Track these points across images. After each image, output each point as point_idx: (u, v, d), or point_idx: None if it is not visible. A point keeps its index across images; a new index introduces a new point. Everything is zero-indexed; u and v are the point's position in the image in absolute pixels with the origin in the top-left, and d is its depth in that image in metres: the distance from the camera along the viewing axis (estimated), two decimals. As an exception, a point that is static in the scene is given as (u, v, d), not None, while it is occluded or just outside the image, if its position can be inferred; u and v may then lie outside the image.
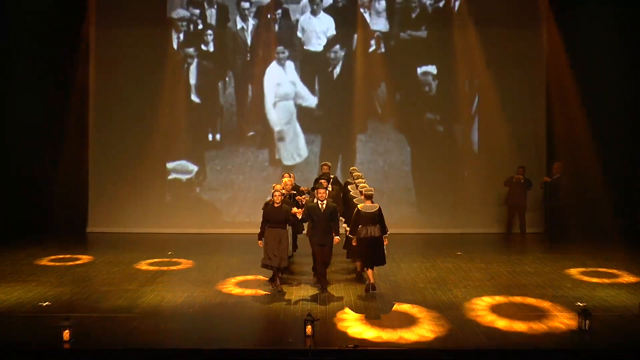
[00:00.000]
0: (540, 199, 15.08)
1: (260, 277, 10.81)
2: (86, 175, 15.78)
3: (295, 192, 11.63)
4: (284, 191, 10.99)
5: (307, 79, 15.83)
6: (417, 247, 14.01)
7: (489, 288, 10.42)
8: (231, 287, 10.48)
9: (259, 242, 10.39)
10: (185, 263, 12.24)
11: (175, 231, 15.45)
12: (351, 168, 12.39)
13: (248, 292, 10.15)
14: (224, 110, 15.85)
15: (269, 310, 9.32)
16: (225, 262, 12.26)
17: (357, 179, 11.48)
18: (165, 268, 11.83)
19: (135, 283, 10.72)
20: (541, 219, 15.48)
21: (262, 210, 10.49)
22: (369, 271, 10.10)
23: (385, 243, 10.24)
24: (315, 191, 10.69)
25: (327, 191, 10.57)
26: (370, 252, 10.11)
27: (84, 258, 12.61)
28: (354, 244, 10.29)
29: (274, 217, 10.24)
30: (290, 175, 11.98)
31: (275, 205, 10.30)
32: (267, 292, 10.12)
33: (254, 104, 15.82)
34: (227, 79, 15.83)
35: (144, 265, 12.00)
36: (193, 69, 15.83)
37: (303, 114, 15.85)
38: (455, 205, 15.82)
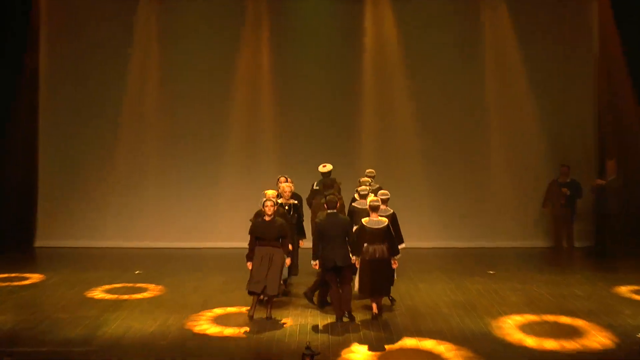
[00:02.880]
0: (591, 206, 15.01)
1: (244, 309, 10.54)
2: (35, 178, 15.75)
3: (296, 202, 11.50)
4: (280, 200, 10.83)
5: (304, 64, 15.87)
6: (439, 264, 13.94)
7: (529, 314, 10.33)
8: (205, 324, 10.35)
9: (248, 264, 10.17)
10: (155, 285, 12.15)
11: (144, 245, 15.42)
12: (367, 170, 12.42)
13: (228, 331, 10.00)
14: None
15: (259, 342, 9.21)
16: (205, 284, 12.19)
17: (361, 185, 11.41)
18: (130, 292, 11.73)
19: (94, 309, 10.60)
20: (591, 229, 15.42)
21: (250, 224, 10.30)
22: (373, 303, 10.10)
23: (394, 266, 10.18)
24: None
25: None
26: (375, 278, 10.00)
27: (32, 278, 12.52)
28: (356, 265, 10.15)
29: (265, 233, 10.00)
30: (287, 179, 11.83)
31: (267, 218, 10.10)
32: (256, 319, 10.02)
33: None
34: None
35: (105, 288, 11.90)
36: (166, 50, 15.82)
37: (300, 105, 15.91)
38: (486, 213, 15.80)
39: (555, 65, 15.73)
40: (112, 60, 15.73)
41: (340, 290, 10.08)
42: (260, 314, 10.17)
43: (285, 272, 10.71)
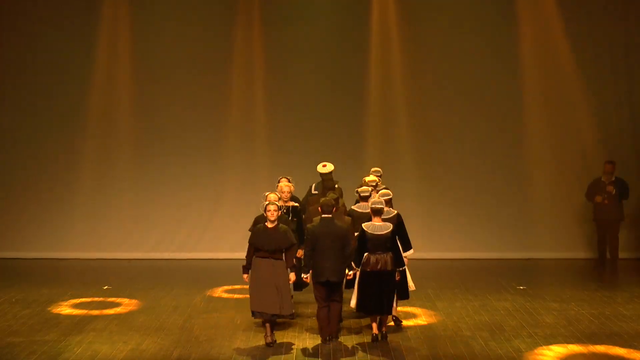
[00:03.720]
0: (640, 211, 15.11)
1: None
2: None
3: (297, 204, 11.48)
4: (280, 203, 10.75)
5: (301, 49, 15.95)
6: (460, 279, 13.95)
7: (566, 338, 10.32)
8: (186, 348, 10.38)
9: (244, 276, 10.16)
10: (127, 302, 12.16)
11: (112, 256, 15.51)
12: (372, 169, 12.40)
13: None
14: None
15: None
16: (184, 301, 12.19)
17: (362, 186, 11.35)
18: (99, 308, 11.72)
19: (55, 331, 10.58)
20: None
21: (250, 233, 10.25)
22: (373, 323, 10.12)
23: (397, 278, 10.18)
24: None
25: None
26: (376, 292, 9.99)
27: (-19, 295, 12.56)
28: (348, 277, 10.18)
29: (267, 243, 9.91)
30: (289, 179, 11.80)
31: (269, 225, 10.05)
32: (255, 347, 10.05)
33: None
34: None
35: (68, 304, 11.91)
36: (139, 36, 15.87)
37: (298, 97, 16.00)
38: (517, 219, 15.85)
39: (597, 52, 15.78)
40: (76, 44, 15.72)
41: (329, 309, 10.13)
42: (259, 332, 10.18)
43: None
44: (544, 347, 9.89)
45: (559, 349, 9.77)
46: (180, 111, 15.91)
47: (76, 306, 11.93)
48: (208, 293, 12.60)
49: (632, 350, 9.68)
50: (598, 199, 14.88)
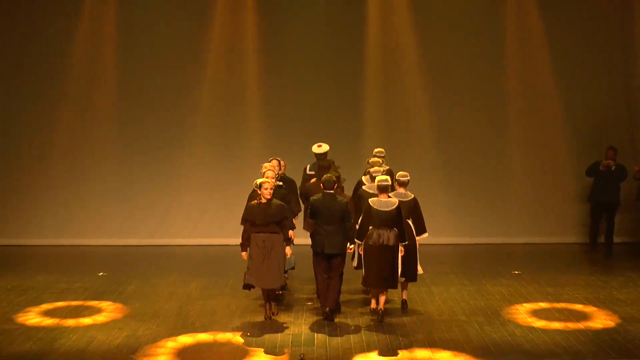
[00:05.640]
0: (635, 195, 15.05)
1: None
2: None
3: (281, 183, 11.52)
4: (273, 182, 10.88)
5: (294, 37, 15.84)
6: (455, 264, 14.01)
7: (561, 322, 10.36)
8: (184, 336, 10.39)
9: (243, 254, 10.45)
10: (122, 289, 12.16)
11: (108, 243, 15.52)
12: (376, 150, 12.43)
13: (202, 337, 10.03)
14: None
15: (244, 353, 9.22)
16: (179, 287, 12.21)
17: (373, 166, 11.45)
18: (93, 297, 11.71)
19: (50, 318, 10.58)
20: (636, 223, 15.48)
21: (245, 209, 10.44)
22: (377, 295, 10.44)
23: (401, 254, 10.44)
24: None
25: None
26: (379, 266, 10.28)
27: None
28: (349, 251, 10.58)
29: (261, 217, 10.18)
30: (280, 162, 11.85)
31: (262, 200, 10.25)
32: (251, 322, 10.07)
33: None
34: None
35: (63, 292, 11.90)
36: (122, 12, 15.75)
37: (293, 83, 15.92)
38: (511, 204, 15.86)
39: (592, 32, 15.76)
40: (57, 22, 15.56)
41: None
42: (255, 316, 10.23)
43: (292, 260, 11.06)
44: (539, 331, 9.94)
45: (553, 334, 9.81)
46: (175, 99, 15.74)
47: (72, 293, 11.93)
48: (203, 279, 12.61)
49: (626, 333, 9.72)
50: (606, 162, 14.70)
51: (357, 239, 10.50)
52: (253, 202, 10.38)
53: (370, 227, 10.32)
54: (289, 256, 10.63)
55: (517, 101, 15.92)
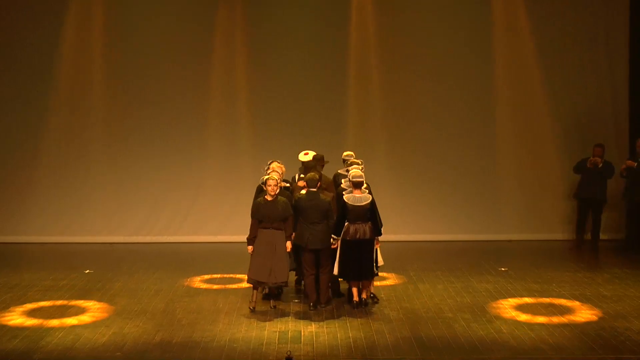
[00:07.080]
0: (621, 193, 15.10)
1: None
2: None
3: (288, 184, 11.55)
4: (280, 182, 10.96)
5: (281, 39, 15.94)
6: (442, 261, 14.00)
7: (548, 319, 10.39)
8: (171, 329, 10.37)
9: (249, 247, 10.72)
10: (109, 286, 12.13)
11: (94, 240, 15.54)
12: (345, 154, 12.32)
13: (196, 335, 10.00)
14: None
15: (232, 351, 9.22)
16: (165, 285, 12.21)
17: (352, 165, 11.40)
18: (79, 294, 11.70)
19: (36, 315, 10.55)
20: (622, 220, 15.52)
21: (252, 205, 10.74)
22: (354, 288, 10.79)
23: (376, 246, 10.76)
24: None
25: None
26: (356, 259, 10.61)
27: None
28: (333, 246, 10.75)
29: (267, 215, 10.52)
30: (280, 164, 11.85)
31: (268, 198, 10.57)
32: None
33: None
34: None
35: (49, 290, 11.88)
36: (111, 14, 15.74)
37: (280, 83, 15.94)
38: (498, 201, 15.91)
39: (581, 29, 15.83)
40: (44, 21, 15.59)
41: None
42: (242, 313, 10.26)
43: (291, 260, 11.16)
44: (525, 327, 9.98)
45: (539, 330, 9.85)
46: (162, 98, 15.79)
47: (58, 290, 11.91)
48: (190, 276, 12.63)
49: (624, 337, 9.69)
50: (593, 160, 14.75)
51: (334, 234, 10.73)
52: (259, 200, 10.70)
53: (347, 224, 10.59)
54: (288, 250, 10.77)
55: (505, 99, 15.98)
